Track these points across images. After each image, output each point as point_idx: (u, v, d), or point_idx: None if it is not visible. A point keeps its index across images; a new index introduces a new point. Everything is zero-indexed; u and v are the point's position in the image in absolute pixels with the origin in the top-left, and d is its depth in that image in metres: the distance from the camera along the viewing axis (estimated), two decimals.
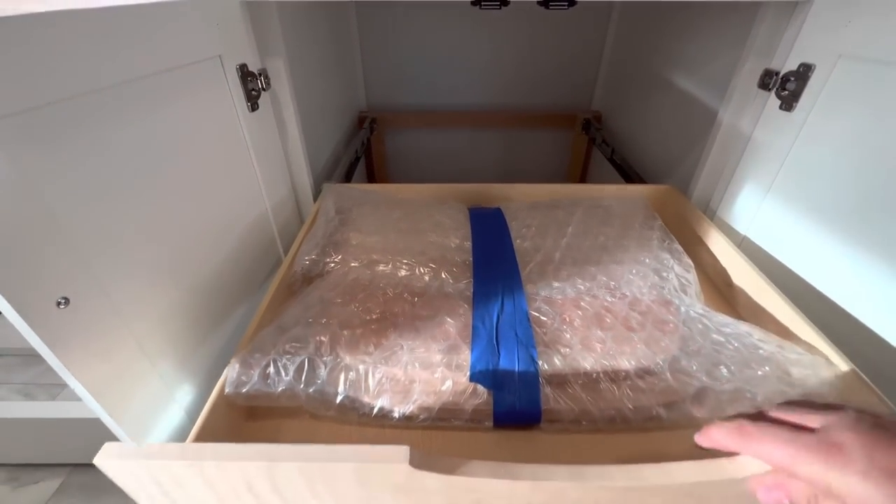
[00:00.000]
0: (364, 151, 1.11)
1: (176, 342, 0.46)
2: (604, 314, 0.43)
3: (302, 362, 0.39)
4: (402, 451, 0.27)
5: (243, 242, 0.56)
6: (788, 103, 0.50)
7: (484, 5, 0.46)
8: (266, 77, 0.56)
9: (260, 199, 0.59)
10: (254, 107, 0.54)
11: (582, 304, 0.45)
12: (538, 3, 0.47)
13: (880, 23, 0.40)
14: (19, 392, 0.90)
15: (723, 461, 0.28)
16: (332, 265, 0.52)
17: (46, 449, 0.94)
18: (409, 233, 0.56)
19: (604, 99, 1.18)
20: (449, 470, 0.28)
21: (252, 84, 0.53)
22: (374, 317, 0.44)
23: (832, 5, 0.45)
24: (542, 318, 0.43)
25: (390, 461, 0.27)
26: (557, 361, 0.39)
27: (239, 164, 0.54)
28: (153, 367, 0.43)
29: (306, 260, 0.52)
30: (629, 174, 0.90)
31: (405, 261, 0.51)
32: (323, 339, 0.41)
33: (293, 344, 0.40)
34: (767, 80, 0.52)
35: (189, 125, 0.45)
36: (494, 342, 0.41)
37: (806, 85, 0.48)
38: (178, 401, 0.47)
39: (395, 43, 1.13)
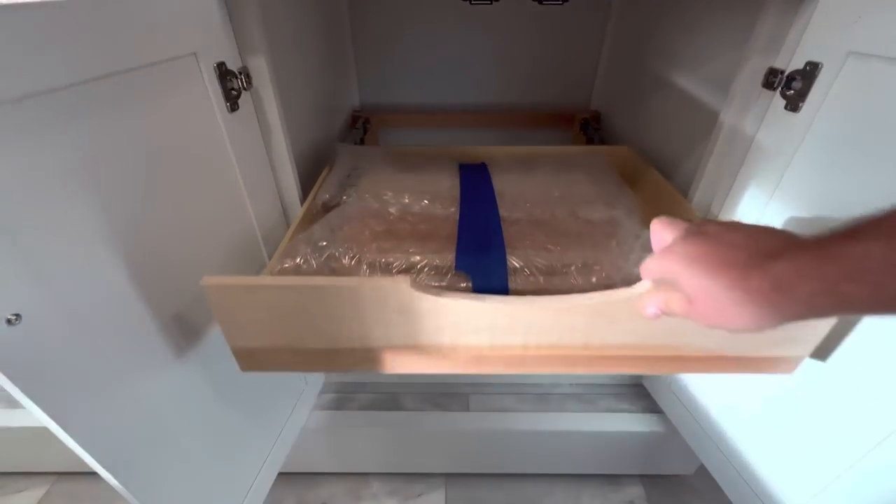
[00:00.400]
0: None
1: (149, 360, 0.44)
2: (562, 228, 0.59)
3: (329, 256, 0.52)
4: (406, 278, 0.42)
5: (225, 249, 0.54)
6: (794, 103, 0.47)
7: (474, 1, 0.44)
8: (247, 76, 0.54)
9: (242, 205, 0.57)
10: (234, 107, 0.52)
11: (545, 222, 0.60)
12: None
13: (892, 18, 0.38)
14: (3, 399, 0.87)
15: (623, 289, 0.42)
16: (346, 198, 0.65)
17: (31, 457, 0.92)
18: (411, 177, 0.70)
19: (603, 98, 1.16)
20: (437, 294, 0.42)
21: (231, 83, 0.51)
22: (382, 230, 0.58)
23: (841, 0, 0.42)
24: (513, 230, 0.58)
25: (397, 283, 0.41)
26: (522, 257, 0.52)
27: (219, 168, 0.52)
28: (124, 386, 0.41)
29: (326, 195, 0.66)
30: None
31: (407, 195, 0.64)
32: (344, 241, 0.54)
33: (321, 244, 0.53)
34: (772, 79, 0.50)
35: (163, 127, 0.43)
36: (474, 244, 0.55)
37: (813, 84, 0.46)
38: None
39: (390, 40, 1.11)
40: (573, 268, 0.51)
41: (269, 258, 0.62)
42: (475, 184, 0.69)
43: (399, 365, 0.48)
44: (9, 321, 0.30)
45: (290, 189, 0.67)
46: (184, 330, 0.49)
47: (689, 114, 0.73)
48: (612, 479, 0.96)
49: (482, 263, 0.51)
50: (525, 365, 0.47)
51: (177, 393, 0.48)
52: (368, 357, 0.47)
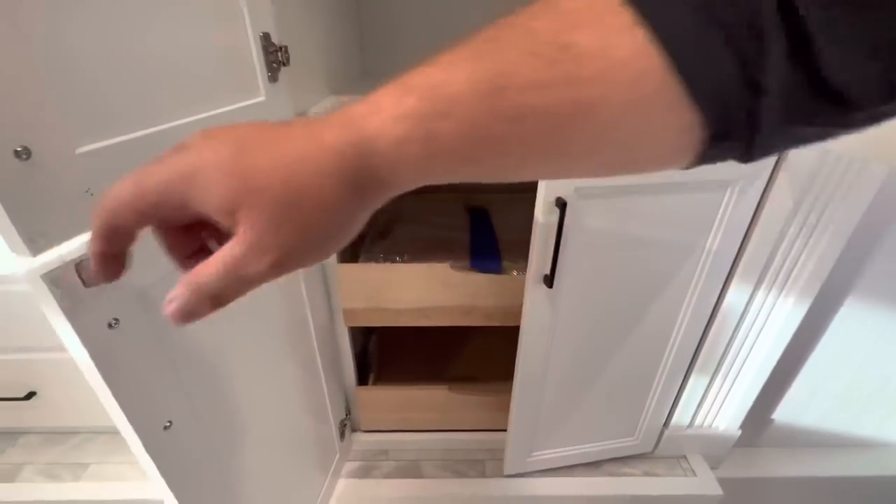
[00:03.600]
0: None
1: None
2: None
3: (388, 258, 0.86)
4: (446, 264, 0.79)
5: None
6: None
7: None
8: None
9: None
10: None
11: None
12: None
13: None
14: (43, 473, 0.92)
15: None
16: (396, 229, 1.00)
17: None
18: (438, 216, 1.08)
19: None
20: (462, 270, 0.81)
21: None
22: (422, 246, 0.91)
23: None
24: (504, 244, 0.92)
25: (443, 264, 0.81)
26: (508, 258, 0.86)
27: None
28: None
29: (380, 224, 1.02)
30: None
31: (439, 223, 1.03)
32: (400, 253, 0.87)
33: (386, 255, 0.87)
34: None
35: None
36: (482, 253, 0.88)
37: None
38: None
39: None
40: None
41: None
42: (478, 217, 1.08)
43: (434, 319, 0.80)
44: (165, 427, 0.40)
45: None
46: None
47: None
48: None
49: (486, 263, 0.85)
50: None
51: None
52: (419, 314, 0.79)
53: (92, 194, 0.31)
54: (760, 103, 0.14)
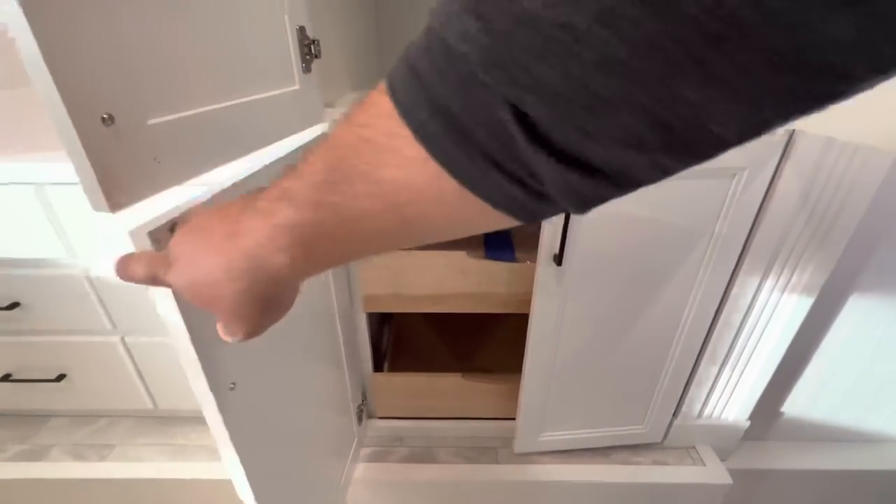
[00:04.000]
0: None
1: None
2: None
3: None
4: (463, 253, 0.79)
5: None
6: None
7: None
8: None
9: None
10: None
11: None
12: None
13: None
14: (70, 453, 0.96)
15: None
16: None
17: None
18: None
19: None
20: (478, 258, 0.83)
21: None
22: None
23: None
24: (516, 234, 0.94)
25: (458, 253, 0.77)
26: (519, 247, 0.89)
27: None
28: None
29: None
30: None
31: None
32: None
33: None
34: None
35: None
36: (495, 243, 0.89)
37: None
38: None
39: None
40: None
41: None
42: None
43: (450, 305, 0.84)
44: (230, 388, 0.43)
45: None
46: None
47: None
48: None
49: (500, 252, 0.88)
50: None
51: None
52: (436, 300, 0.83)
53: (159, 162, 0.34)
54: (556, 203, 0.16)
